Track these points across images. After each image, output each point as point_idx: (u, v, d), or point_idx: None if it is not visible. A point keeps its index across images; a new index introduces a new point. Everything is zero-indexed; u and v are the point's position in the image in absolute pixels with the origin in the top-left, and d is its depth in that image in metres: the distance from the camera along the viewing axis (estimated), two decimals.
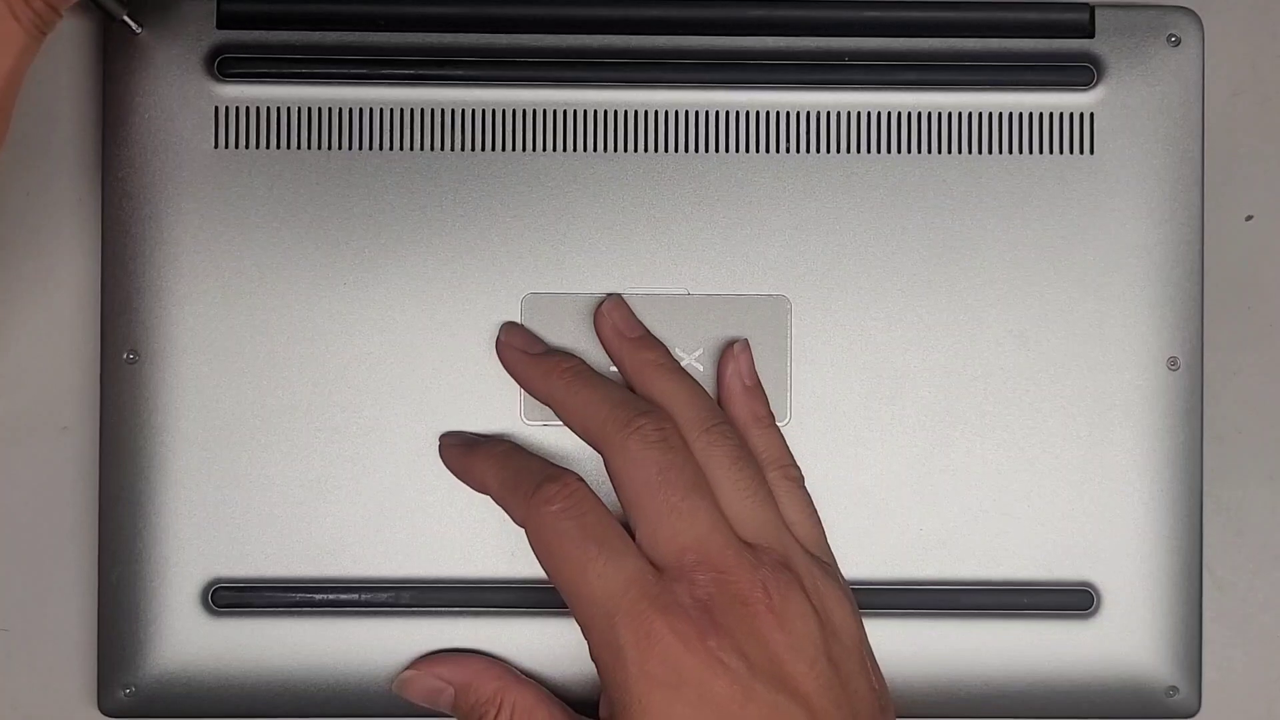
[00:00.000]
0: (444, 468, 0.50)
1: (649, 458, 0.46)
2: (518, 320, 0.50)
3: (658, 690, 0.43)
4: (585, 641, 0.45)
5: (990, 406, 0.51)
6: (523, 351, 0.49)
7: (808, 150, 0.51)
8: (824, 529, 0.49)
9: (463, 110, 0.50)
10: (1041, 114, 0.51)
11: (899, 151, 0.51)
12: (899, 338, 0.51)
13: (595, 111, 0.51)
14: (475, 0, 0.51)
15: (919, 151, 0.51)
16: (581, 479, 0.47)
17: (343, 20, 0.51)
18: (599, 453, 0.47)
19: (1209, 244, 0.51)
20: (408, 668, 0.50)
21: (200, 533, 0.50)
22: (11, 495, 0.52)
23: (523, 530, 0.47)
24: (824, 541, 0.49)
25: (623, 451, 0.46)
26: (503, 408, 0.50)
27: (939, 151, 0.51)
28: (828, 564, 0.48)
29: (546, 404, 0.49)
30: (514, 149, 0.51)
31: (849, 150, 0.51)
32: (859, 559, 0.51)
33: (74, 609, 0.52)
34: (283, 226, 0.50)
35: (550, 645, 0.50)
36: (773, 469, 0.48)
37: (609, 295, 0.50)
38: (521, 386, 0.50)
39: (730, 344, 0.50)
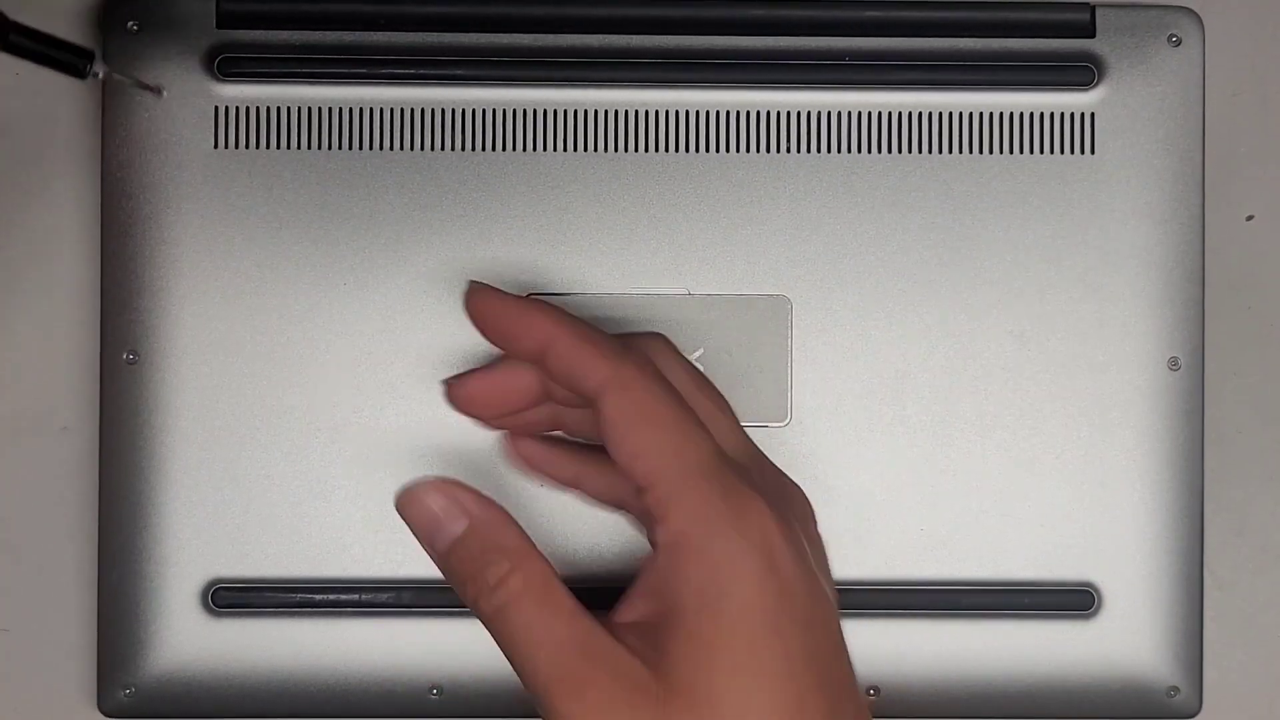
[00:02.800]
0: (446, 467, 0.50)
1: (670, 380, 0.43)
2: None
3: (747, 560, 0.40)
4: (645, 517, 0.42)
5: (990, 406, 0.51)
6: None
7: (808, 150, 0.51)
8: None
9: (463, 110, 0.50)
10: (1042, 114, 0.51)
11: (899, 151, 0.51)
12: (899, 338, 0.51)
13: (595, 111, 0.51)
14: (475, 0, 0.51)
15: (919, 151, 0.51)
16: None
17: (343, 20, 0.51)
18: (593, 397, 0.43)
19: (1209, 244, 0.51)
20: (412, 485, 0.43)
21: (200, 533, 0.50)
22: (11, 495, 0.52)
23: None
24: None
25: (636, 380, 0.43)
26: None
27: (939, 151, 0.51)
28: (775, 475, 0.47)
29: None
30: (514, 149, 0.50)
31: (849, 150, 0.51)
32: (859, 559, 0.51)
33: (74, 609, 0.52)
34: (283, 226, 0.50)
35: None
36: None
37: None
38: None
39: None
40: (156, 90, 0.49)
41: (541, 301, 0.45)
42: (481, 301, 0.44)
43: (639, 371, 0.42)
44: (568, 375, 0.43)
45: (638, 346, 0.43)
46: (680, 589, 0.40)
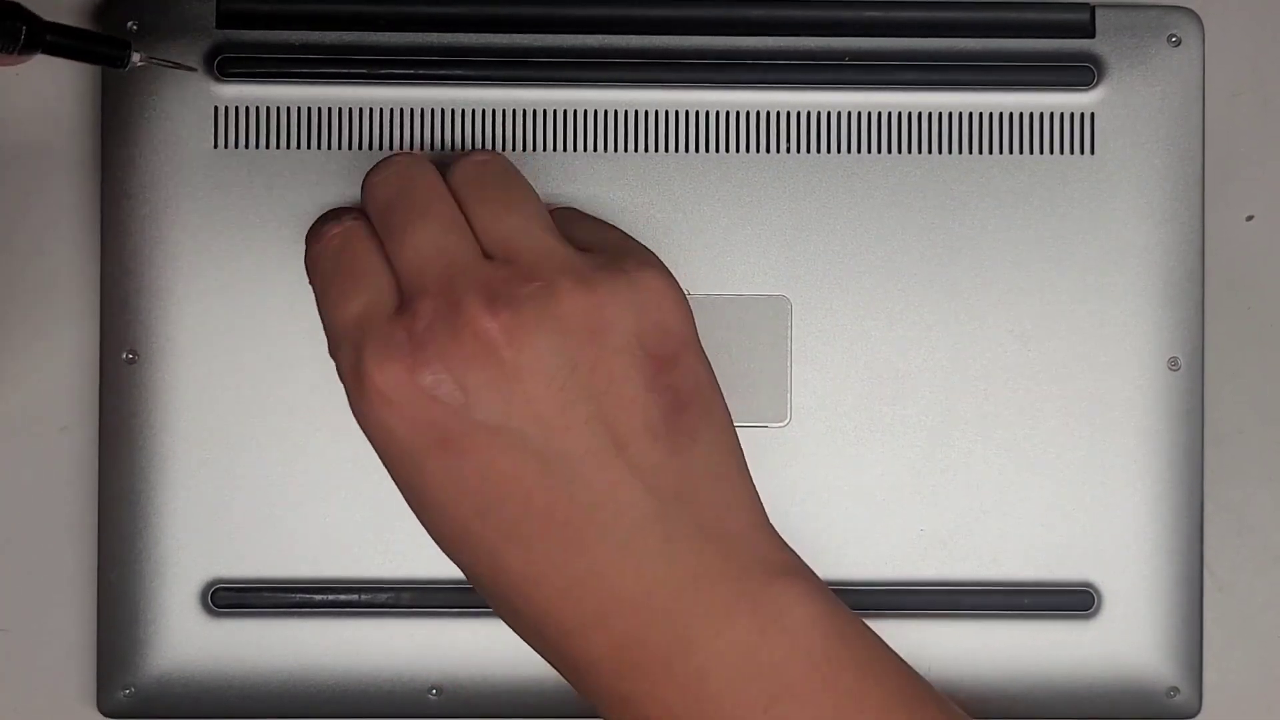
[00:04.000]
0: None
1: (389, 177, 0.42)
2: None
3: (374, 434, 0.40)
4: None
5: (990, 406, 0.51)
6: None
7: (808, 150, 0.51)
8: (613, 227, 0.45)
9: (463, 110, 0.50)
10: (1042, 114, 0.51)
11: (899, 151, 0.51)
12: (899, 338, 0.51)
13: (595, 111, 0.51)
14: (475, 0, 0.51)
15: (919, 151, 0.51)
16: (366, 220, 0.42)
17: (343, 20, 0.51)
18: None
19: (1209, 244, 0.51)
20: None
21: (200, 533, 0.50)
22: (11, 495, 0.52)
23: None
24: (609, 236, 0.44)
25: (372, 171, 0.42)
26: None
27: (939, 151, 0.51)
28: (611, 254, 0.42)
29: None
30: (514, 149, 0.50)
31: (849, 150, 0.51)
32: (859, 559, 0.50)
33: (74, 609, 0.52)
34: (283, 226, 0.50)
35: None
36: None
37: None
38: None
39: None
40: (190, 68, 0.49)
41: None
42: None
43: (313, 250, 0.42)
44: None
45: (342, 216, 0.42)
46: None
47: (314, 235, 0.43)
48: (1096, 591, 0.51)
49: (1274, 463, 0.54)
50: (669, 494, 0.40)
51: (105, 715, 0.50)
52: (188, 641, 0.50)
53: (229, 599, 0.50)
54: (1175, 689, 0.51)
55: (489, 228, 0.41)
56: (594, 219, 0.47)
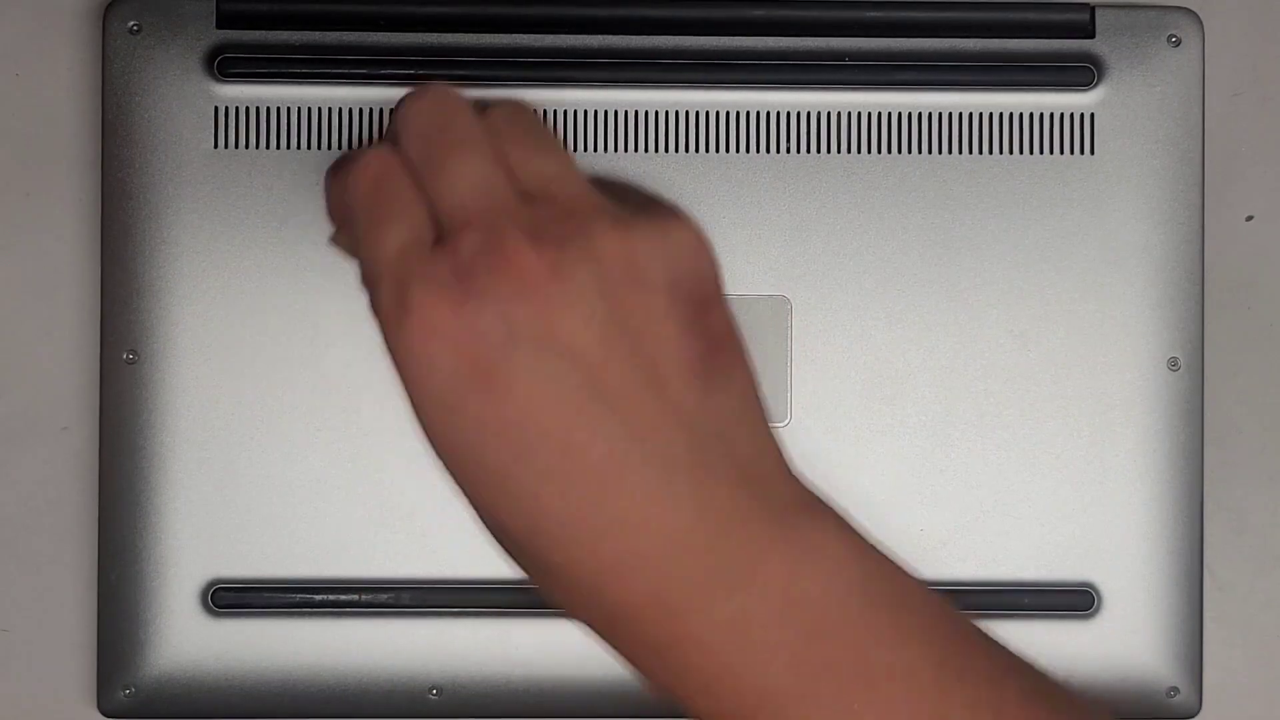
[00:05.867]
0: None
1: (426, 108, 0.41)
2: None
3: (416, 370, 0.39)
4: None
5: (990, 406, 0.51)
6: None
7: (808, 150, 0.51)
8: (641, 186, 0.45)
9: None
10: (1041, 114, 0.51)
11: (899, 151, 0.51)
12: (899, 338, 0.51)
13: (595, 111, 0.51)
14: (475, 0, 0.51)
15: (919, 151, 0.51)
16: (397, 152, 0.41)
17: (342, 20, 0.51)
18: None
19: (1209, 244, 0.51)
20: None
21: (200, 533, 0.50)
22: (11, 495, 0.52)
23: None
24: (640, 192, 0.44)
25: (405, 101, 0.41)
26: None
27: (939, 151, 0.51)
28: (640, 205, 0.42)
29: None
30: None
31: (849, 150, 0.51)
32: None
33: (74, 609, 0.52)
34: (282, 226, 0.50)
35: (550, 645, 0.50)
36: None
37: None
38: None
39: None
40: None
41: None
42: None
43: (345, 181, 0.41)
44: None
45: (379, 148, 0.41)
46: None
47: (344, 168, 0.42)
48: (1096, 591, 0.51)
49: (1274, 463, 0.54)
50: (706, 433, 0.40)
51: (105, 715, 0.50)
52: (188, 641, 0.50)
53: (229, 599, 0.50)
54: (1175, 689, 0.51)
55: (526, 168, 0.41)
56: (622, 180, 0.47)
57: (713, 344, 0.41)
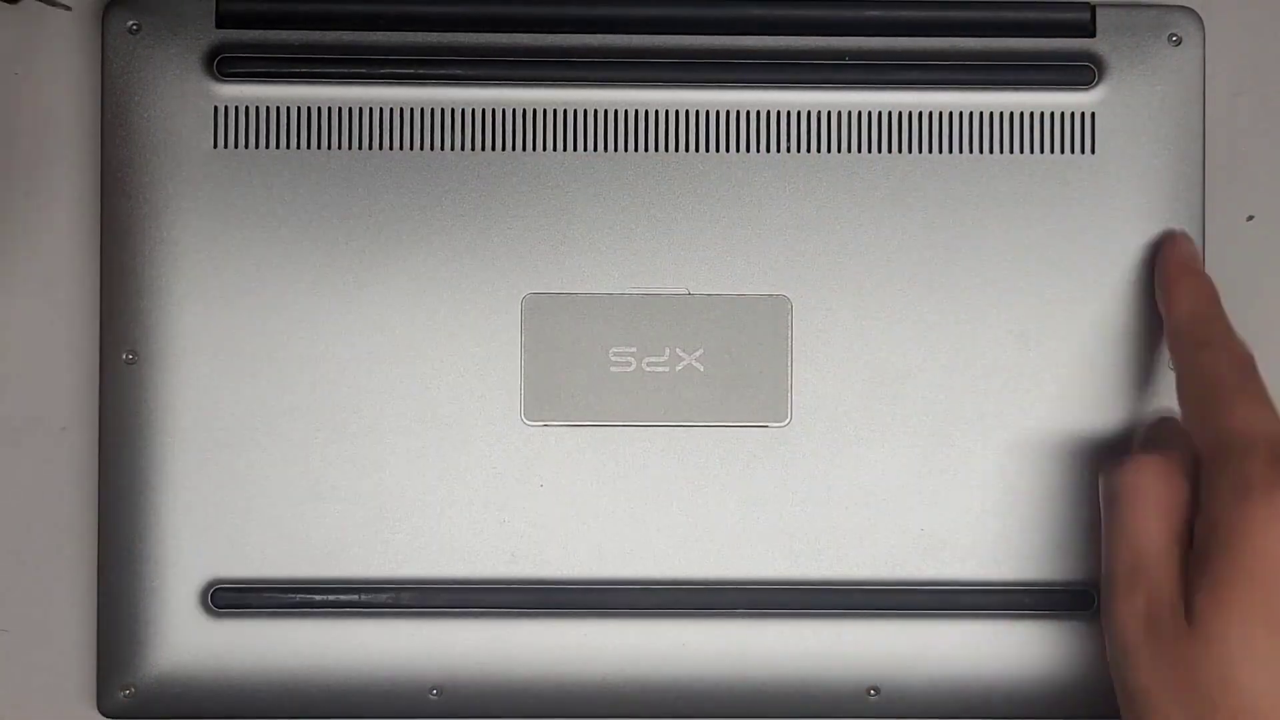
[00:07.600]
0: (446, 467, 0.50)
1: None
2: (517, 321, 0.50)
3: (1270, 546, 0.44)
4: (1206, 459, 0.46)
5: (990, 406, 0.51)
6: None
7: (808, 150, 0.51)
8: None
9: (463, 110, 0.50)
10: (1042, 114, 0.51)
11: (899, 151, 0.51)
12: (899, 338, 0.51)
13: (595, 111, 0.51)
14: (475, 0, 0.51)
15: (919, 151, 0.51)
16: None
17: (342, 20, 0.51)
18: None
19: (1209, 244, 0.51)
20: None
21: (200, 533, 0.50)
22: (11, 495, 0.52)
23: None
24: None
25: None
26: (503, 408, 0.50)
27: (939, 151, 0.51)
28: None
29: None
30: (514, 149, 0.51)
31: (849, 150, 0.51)
32: (859, 559, 0.50)
33: (74, 609, 0.52)
34: (282, 226, 0.50)
35: (551, 646, 0.50)
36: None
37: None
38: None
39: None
40: (66, 7, 0.49)
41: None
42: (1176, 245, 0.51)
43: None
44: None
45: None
46: (1216, 534, 0.45)
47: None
48: (1096, 592, 0.51)
49: None
50: None
51: (105, 715, 0.50)
52: (188, 641, 0.50)
53: (229, 599, 0.50)
54: None
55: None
56: None
57: None
